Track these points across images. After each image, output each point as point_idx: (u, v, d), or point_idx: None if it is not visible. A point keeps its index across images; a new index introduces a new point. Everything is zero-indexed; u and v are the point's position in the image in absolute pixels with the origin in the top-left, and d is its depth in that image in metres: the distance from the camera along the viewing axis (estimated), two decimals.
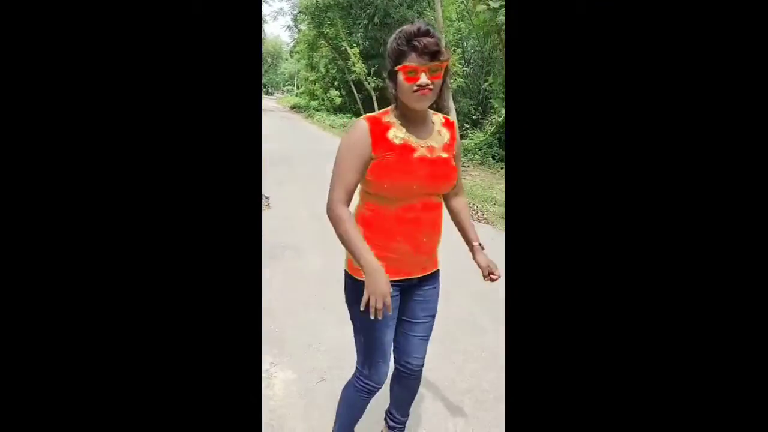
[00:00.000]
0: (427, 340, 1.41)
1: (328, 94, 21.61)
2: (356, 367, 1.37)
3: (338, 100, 20.64)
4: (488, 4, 8.33)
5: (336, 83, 20.49)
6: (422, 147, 1.22)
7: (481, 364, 2.21)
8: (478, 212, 5.27)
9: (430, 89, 1.13)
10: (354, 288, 1.27)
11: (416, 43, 1.11)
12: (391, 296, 1.14)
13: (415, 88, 1.12)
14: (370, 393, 1.37)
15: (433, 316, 1.40)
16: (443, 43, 1.15)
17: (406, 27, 1.15)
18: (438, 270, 1.38)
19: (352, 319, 1.31)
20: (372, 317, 1.09)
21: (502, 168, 8.64)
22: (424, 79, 1.11)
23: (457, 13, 12.65)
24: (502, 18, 8.73)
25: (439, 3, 10.15)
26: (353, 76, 15.73)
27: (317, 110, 20.49)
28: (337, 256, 3.31)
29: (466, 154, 9.64)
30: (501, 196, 6.07)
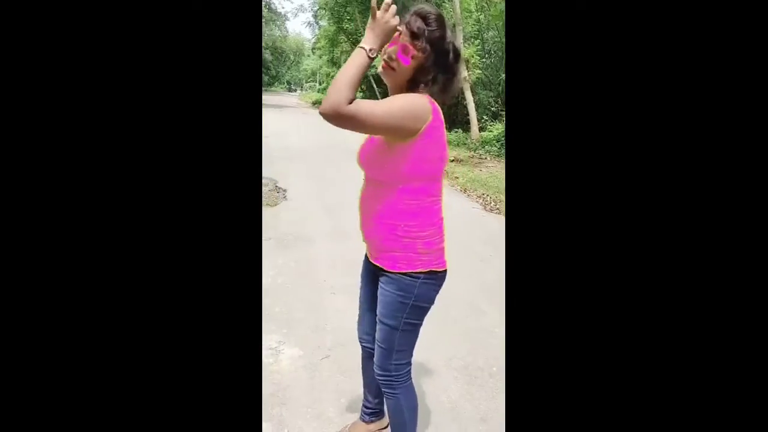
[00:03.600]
0: (381, 342, 1.28)
1: None
2: (403, 369, 1.29)
3: (359, 95, 20.66)
4: None
5: None
6: None
7: (477, 344, 2.29)
8: (491, 203, 5.31)
9: (392, 67, 1.15)
10: (411, 287, 1.19)
11: (411, 19, 1.13)
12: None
13: (385, 56, 1.14)
14: None
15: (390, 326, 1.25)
16: (446, 38, 1.16)
17: (427, 7, 1.16)
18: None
19: (403, 320, 1.22)
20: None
21: None
22: (392, 49, 1.13)
23: (476, 4, 12.54)
24: None
25: None
26: (372, 70, 15.75)
27: None
28: (346, 245, 3.48)
29: (484, 146, 9.62)
30: None
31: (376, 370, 1.31)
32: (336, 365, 2.06)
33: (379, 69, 1.19)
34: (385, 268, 1.22)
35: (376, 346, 1.30)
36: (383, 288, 1.24)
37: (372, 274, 1.34)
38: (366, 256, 1.37)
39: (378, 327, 1.27)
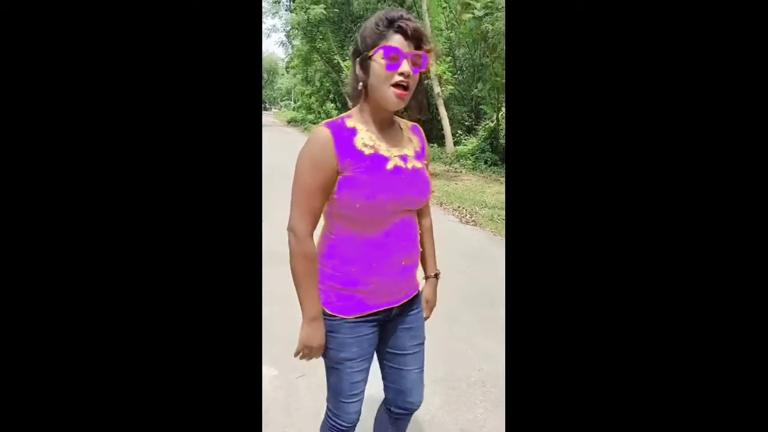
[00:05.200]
0: (422, 371, 1.23)
1: (324, 107, 21.87)
2: (327, 406, 1.22)
3: (334, 113, 20.86)
4: (473, 13, 8.54)
5: (331, 96, 20.76)
6: (395, 156, 1.02)
7: (455, 354, 2.29)
8: (467, 215, 5.37)
9: (407, 87, 0.96)
10: (328, 332, 1.10)
11: (403, 25, 0.94)
12: (365, 335, 1.07)
13: (396, 79, 0.94)
14: None
15: (423, 343, 1.22)
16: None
17: (387, 10, 0.98)
18: (419, 292, 1.20)
19: (323, 355, 1.14)
20: (301, 359, 1.05)
21: (493, 172, 8.74)
22: (406, 66, 0.94)
23: (446, 22, 12.87)
24: (487, 25, 8.90)
25: (427, 14, 10.36)
26: (347, 88, 15.91)
27: (314, 123, 20.73)
28: None
29: (459, 160, 9.77)
30: (491, 200, 6.17)
31: (417, 401, 1.24)
32: (313, 383, 2.03)
33: (393, 96, 0.97)
34: (413, 295, 1.18)
35: (416, 375, 1.23)
36: (415, 313, 1.20)
37: (384, 326, 1.19)
38: (379, 314, 1.13)
39: (418, 356, 1.23)
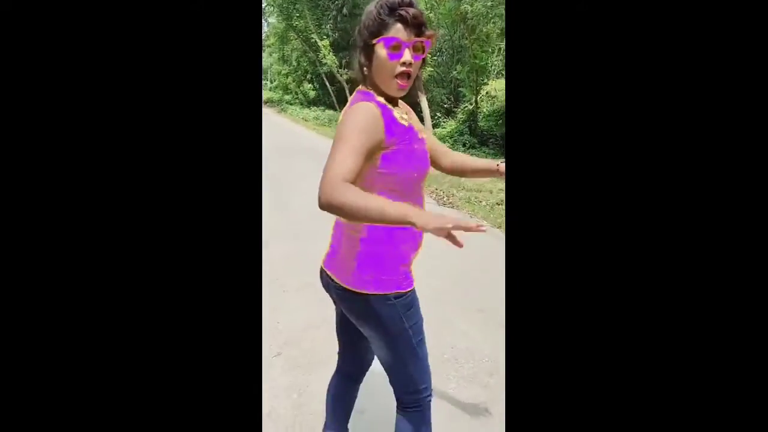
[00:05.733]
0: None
1: (301, 87, 21.49)
2: (412, 396, 1.15)
3: (312, 94, 20.54)
4: None
5: (309, 76, 20.38)
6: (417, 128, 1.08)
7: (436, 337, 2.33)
8: (444, 197, 5.40)
9: (409, 76, 0.99)
10: (393, 309, 1.05)
11: (403, 13, 0.95)
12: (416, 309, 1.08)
13: (399, 70, 0.97)
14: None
15: None
16: None
17: None
18: None
19: (391, 346, 1.09)
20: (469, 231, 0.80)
21: (471, 155, 8.80)
22: (407, 56, 0.96)
23: (425, 2, 12.72)
24: (466, 6, 8.84)
25: None
26: (325, 68, 15.67)
27: (290, 104, 20.38)
28: (300, 246, 3.43)
29: None
30: (468, 182, 6.21)
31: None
32: (288, 362, 2.04)
33: (396, 87, 1.00)
34: None
35: None
36: None
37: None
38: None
39: None
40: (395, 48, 0.95)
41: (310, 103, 19.88)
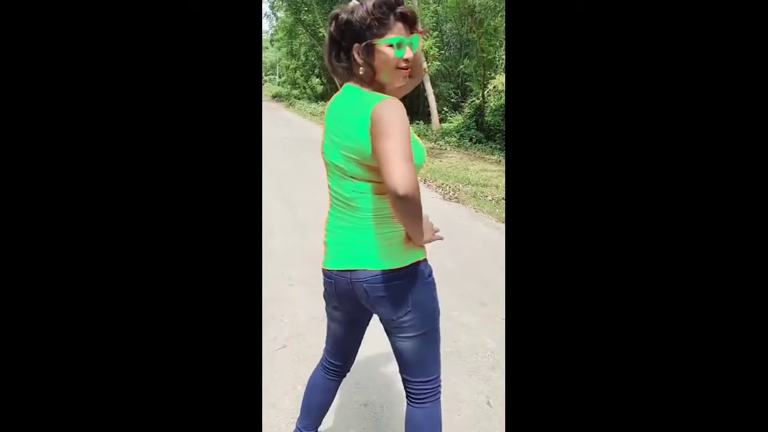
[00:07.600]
0: None
1: (309, 82, 21.47)
2: (430, 384, 1.19)
3: (320, 88, 20.53)
4: None
5: (317, 71, 20.37)
6: None
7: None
8: (450, 192, 5.40)
9: (410, 66, 1.04)
10: (429, 287, 1.14)
11: (404, 12, 1.00)
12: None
13: (402, 64, 1.01)
14: None
15: None
16: None
17: None
18: None
19: (423, 326, 1.13)
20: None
21: (477, 150, 8.76)
22: (410, 52, 1.01)
23: None
24: (473, 0, 8.76)
25: None
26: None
27: (298, 99, 20.38)
28: (305, 239, 3.45)
29: (444, 137, 9.75)
30: (474, 177, 6.20)
31: None
32: (293, 356, 2.06)
33: (398, 85, 1.06)
34: None
35: None
36: None
37: None
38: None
39: None
40: (399, 46, 0.99)
41: (318, 97, 19.88)
